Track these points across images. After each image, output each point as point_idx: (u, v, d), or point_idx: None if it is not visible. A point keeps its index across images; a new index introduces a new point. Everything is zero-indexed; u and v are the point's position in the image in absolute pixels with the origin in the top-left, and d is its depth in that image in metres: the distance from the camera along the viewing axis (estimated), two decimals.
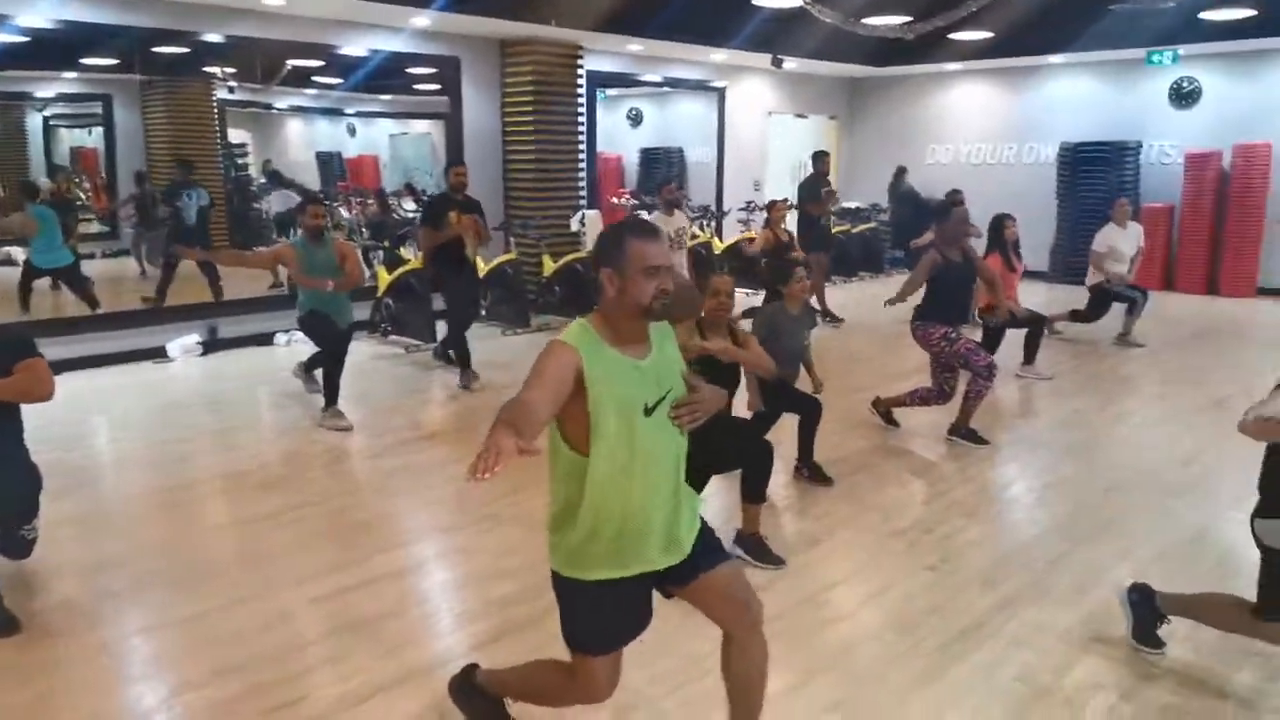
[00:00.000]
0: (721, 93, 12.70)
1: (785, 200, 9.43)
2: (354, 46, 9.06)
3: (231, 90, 9.88)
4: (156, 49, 8.54)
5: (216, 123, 9.87)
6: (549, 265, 9.69)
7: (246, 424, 6.35)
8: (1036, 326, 7.52)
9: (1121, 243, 8.49)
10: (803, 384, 5.16)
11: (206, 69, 9.37)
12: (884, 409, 6.10)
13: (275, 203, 10.77)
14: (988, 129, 13.63)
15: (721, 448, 3.91)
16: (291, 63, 9.82)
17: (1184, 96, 12.02)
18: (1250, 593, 3.62)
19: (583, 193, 10.54)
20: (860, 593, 3.79)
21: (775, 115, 13.65)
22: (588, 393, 2.24)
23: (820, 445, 5.65)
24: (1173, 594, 3.35)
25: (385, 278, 8.80)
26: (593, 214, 10.72)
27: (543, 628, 3.44)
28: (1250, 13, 9.21)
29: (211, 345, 8.20)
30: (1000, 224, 7.45)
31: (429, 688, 3.05)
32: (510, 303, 9.39)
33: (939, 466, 5.48)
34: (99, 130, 9.38)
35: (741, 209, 11.77)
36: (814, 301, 9.67)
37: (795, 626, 3.50)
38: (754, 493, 4.10)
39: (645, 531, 2.36)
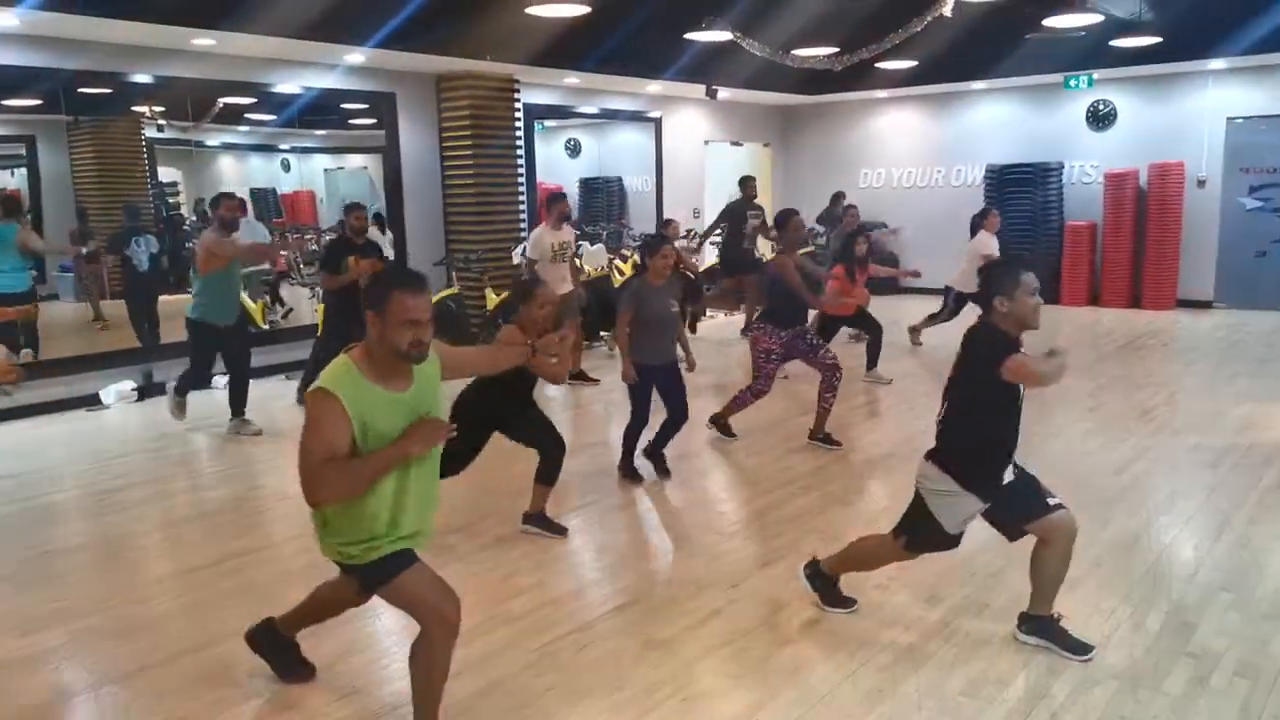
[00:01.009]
0: (658, 122, 12.88)
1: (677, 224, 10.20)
2: (287, 84, 9.02)
3: (161, 129, 9.73)
4: (83, 89, 8.39)
5: (146, 161, 9.70)
6: (492, 299, 9.68)
7: (186, 470, 6.22)
8: (876, 334, 8.17)
9: (994, 249, 9.15)
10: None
11: (135, 108, 9.22)
12: (722, 423, 6.39)
13: (243, 236, 10.53)
14: (917, 153, 14.01)
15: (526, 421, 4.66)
16: (223, 100, 9.71)
17: (1101, 118, 12.51)
18: (1195, 592, 3.77)
19: (524, 224, 10.57)
20: (810, 614, 3.84)
21: (711, 143, 13.86)
22: (353, 430, 2.61)
23: (766, 470, 5.76)
24: (832, 556, 3.80)
25: (323, 314, 8.69)
26: None
27: (500, 665, 3.44)
28: (1156, 39, 9.66)
29: (147, 390, 8.02)
30: (851, 240, 8.24)
31: None
32: (453, 338, 9.34)
33: (881, 486, 5.59)
34: (22, 171, 9.16)
35: (682, 238, 11.90)
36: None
37: (747, 649, 3.54)
38: (548, 477, 4.68)
39: (410, 531, 2.79)
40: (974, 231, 9.33)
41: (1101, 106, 12.46)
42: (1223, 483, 5.35)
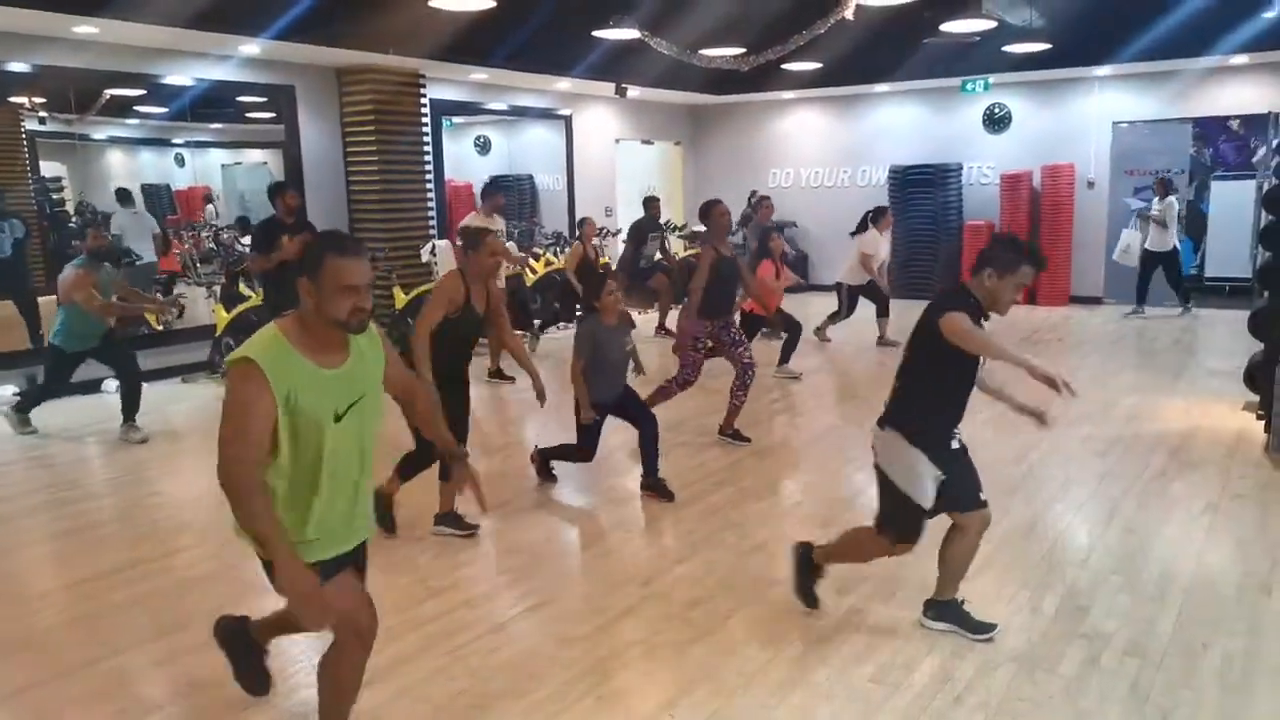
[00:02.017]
0: (568, 120, 12.82)
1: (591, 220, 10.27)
2: (178, 76, 8.66)
3: (43, 121, 9.24)
4: None
5: (26, 155, 9.19)
6: (400, 298, 9.49)
7: (72, 479, 5.92)
8: (794, 332, 8.32)
9: (882, 248, 9.64)
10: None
11: (12, 99, 8.72)
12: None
13: (125, 226, 10.06)
14: (824, 153, 14.29)
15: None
16: (110, 92, 9.26)
17: (996, 121, 12.96)
18: (1087, 576, 3.91)
19: (433, 222, 10.40)
20: (722, 608, 3.86)
21: (623, 142, 13.87)
22: (277, 408, 2.36)
23: (679, 465, 5.77)
24: (825, 545, 3.76)
25: (224, 316, 8.39)
26: (443, 244, 10.61)
27: (411, 669, 3.36)
28: (1046, 46, 10.05)
29: (29, 392, 7.57)
30: (767, 236, 8.45)
31: None
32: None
33: (795, 481, 5.67)
34: None
35: (596, 236, 11.88)
36: (667, 322, 10.13)
37: (662, 645, 3.54)
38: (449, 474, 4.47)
39: (333, 522, 2.55)
40: (863, 228, 9.63)
41: (997, 110, 12.91)
42: (1112, 471, 5.59)
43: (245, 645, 3.08)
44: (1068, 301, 12.54)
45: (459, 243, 4.93)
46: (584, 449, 5.20)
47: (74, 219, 10.18)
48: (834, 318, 9.80)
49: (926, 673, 3.32)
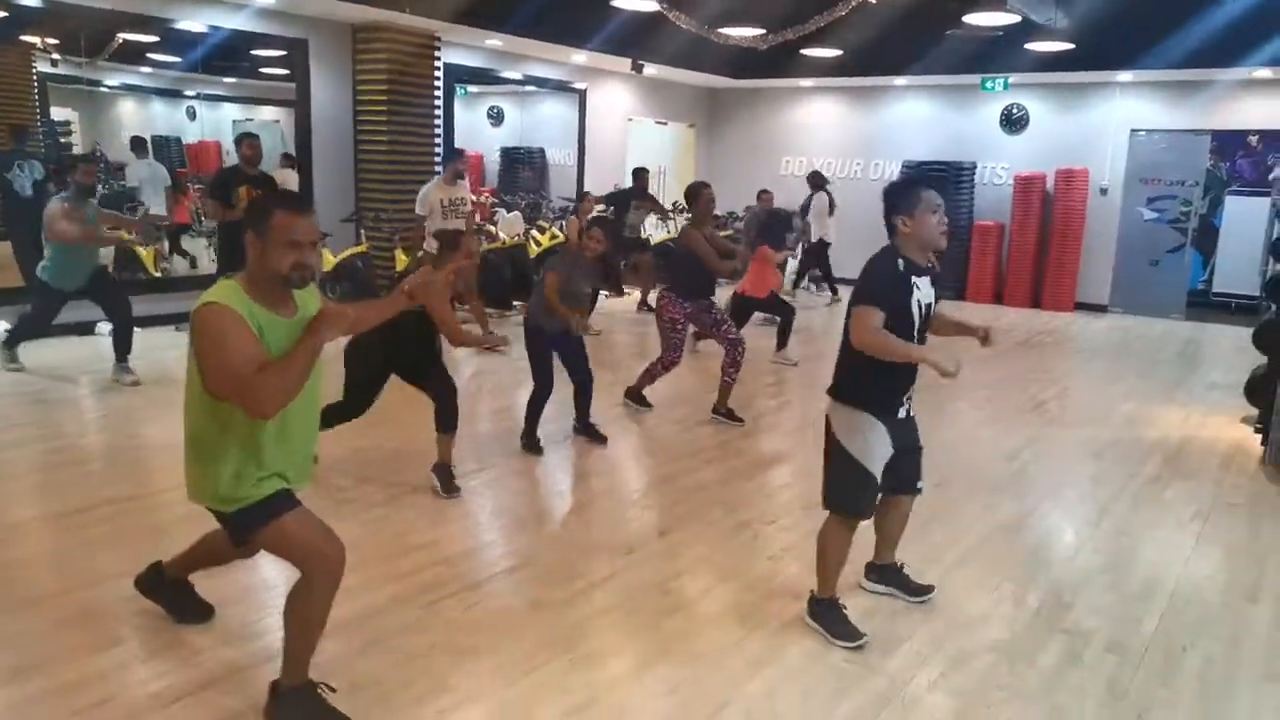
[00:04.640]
0: (582, 95, 12.73)
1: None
2: (191, 21, 8.57)
3: (54, 63, 9.14)
4: None
5: (36, 97, 9.11)
6: (402, 260, 9.43)
7: (60, 417, 5.88)
8: (787, 316, 8.24)
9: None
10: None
11: (24, 37, 8.64)
12: (637, 395, 6.42)
13: (143, 177, 10.01)
14: (838, 144, 14.19)
15: (422, 368, 4.61)
16: (122, 36, 9.17)
17: (1013, 122, 12.85)
18: (1073, 574, 3.86)
19: None
20: (703, 582, 3.83)
21: (635, 120, 13.78)
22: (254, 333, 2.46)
23: (670, 441, 5.75)
24: (819, 579, 3.50)
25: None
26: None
27: (383, 622, 3.32)
28: (1069, 46, 9.95)
29: (17, 328, 7.53)
30: (775, 220, 8.91)
31: (249, 685, 2.87)
32: (359, 297, 9.08)
33: (783, 463, 5.62)
34: None
35: (601, 211, 11.83)
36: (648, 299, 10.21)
37: (637, 613, 3.51)
38: (446, 423, 4.62)
39: (291, 460, 2.67)
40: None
41: (1015, 110, 12.80)
42: (1105, 473, 5.54)
43: (168, 587, 3.23)
44: (1073, 308, 12.47)
45: (436, 244, 4.98)
46: (539, 382, 5.36)
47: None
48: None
49: (904, 657, 3.28)
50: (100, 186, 9.76)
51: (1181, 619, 3.67)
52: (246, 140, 7.37)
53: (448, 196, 8.19)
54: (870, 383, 3.27)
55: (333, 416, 4.58)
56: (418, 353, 4.58)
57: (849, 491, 3.35)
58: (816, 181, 11.69)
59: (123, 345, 6.57)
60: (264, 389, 2.42)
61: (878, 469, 3.31)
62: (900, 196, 3.24)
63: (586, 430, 5.64)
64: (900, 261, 3.21)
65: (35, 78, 8.94)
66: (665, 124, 14.46)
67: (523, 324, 5.42)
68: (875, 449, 3.28)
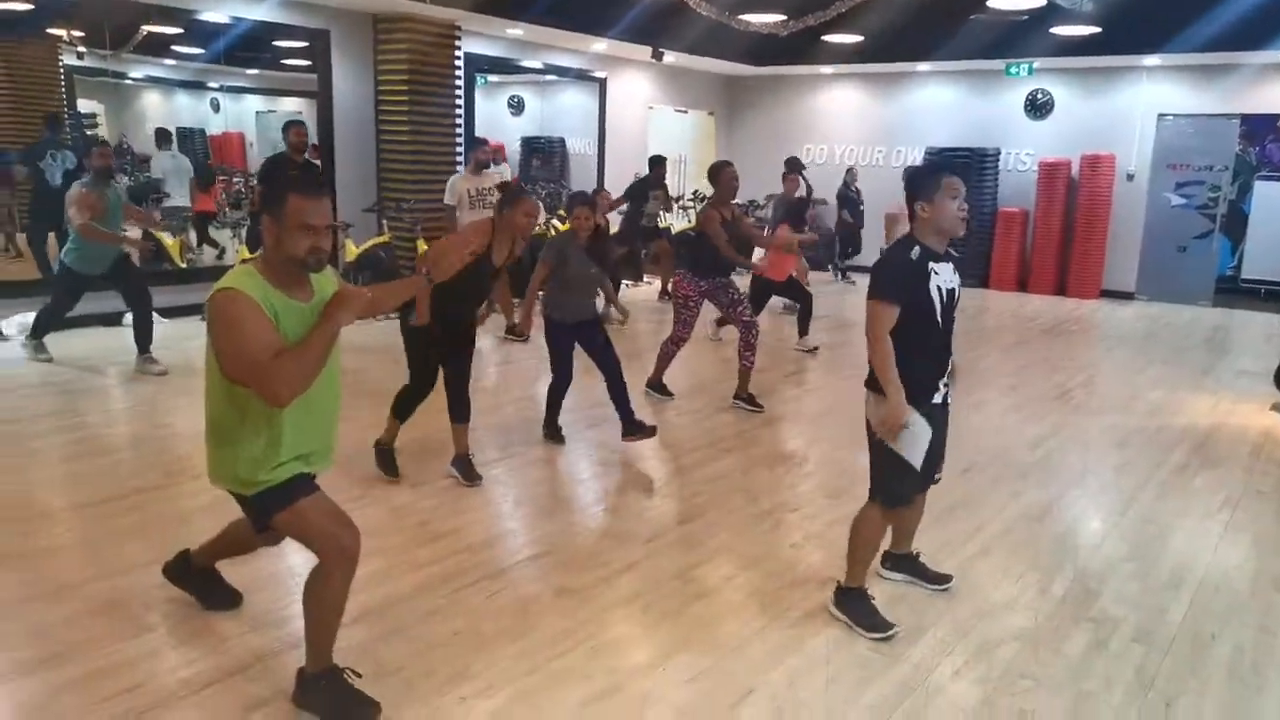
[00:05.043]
0: (602, 83, 12.69)
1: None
2: (214, 12, 8.62)
3: (81, 56, 9.23)
4: None
5: (64, 90, 9.20)
6: (423, 249, 9.45)
7: (87, 406, 5.95)
8: (806, 303, 8.19)
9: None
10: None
11: (51, 30, 8.73)
12: (657, 384, 6.38)
13: (167, 169, 10.11)
14: (860, 131, 14.08)
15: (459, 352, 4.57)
16: (147, 28, 9.25)
17: (1038, 107, 12.70)
18: (1099, 562, 3.81)
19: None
20: (725, 570, 3.82)
21: (656, 108, 13.73)
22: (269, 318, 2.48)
23: (690, 430, 5.74)
24: (847, 568, 3.48)
25: (246, 255, 8.41)
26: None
27: (406, 610, 3.34)
28: (1095, 29, 9.80)
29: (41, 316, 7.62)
30: (799, 205, 8.92)
31: (276, 671, 2.90)
32: None
33: (805, 451, 5.60)
34: None
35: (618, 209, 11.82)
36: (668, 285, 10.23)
37: (659, 602, 3.51)
38: (458, 414, 4.61)
39: (311, 443, 2.69)
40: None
41: (1040, 96, 12.64)
42: (1132, 461, 5.48)
43: (195, 575, 3.28)
44: (1099, 295, 12.33)
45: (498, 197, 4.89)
46: (557, 374, 5.30)
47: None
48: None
49: (927, 645, 3.26)
50: (126, 178, 9.89)
51: (1210, 607, 3.63)
52: (294, 127, 7.44)
53: (474, 187, 8.22)
54: (903, 371, 3.24)
55: (404, 404, 4.64)
56: (461, 333, 4.59)
57: (890, 481, 3.34)
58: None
59: (144, 336, 6.63)
60: (280, 375, 2.44)
61: (917, 458, 3.28)
62: (921, 181, 3.21)
63: (633, 428, 5.19)
64: (916, 249, 3.17)
65: (62, 70, 9.04)
66: (685, 112, 14.40)
67: (543, 317, 5.32)
68: (913, 438, 3.25)
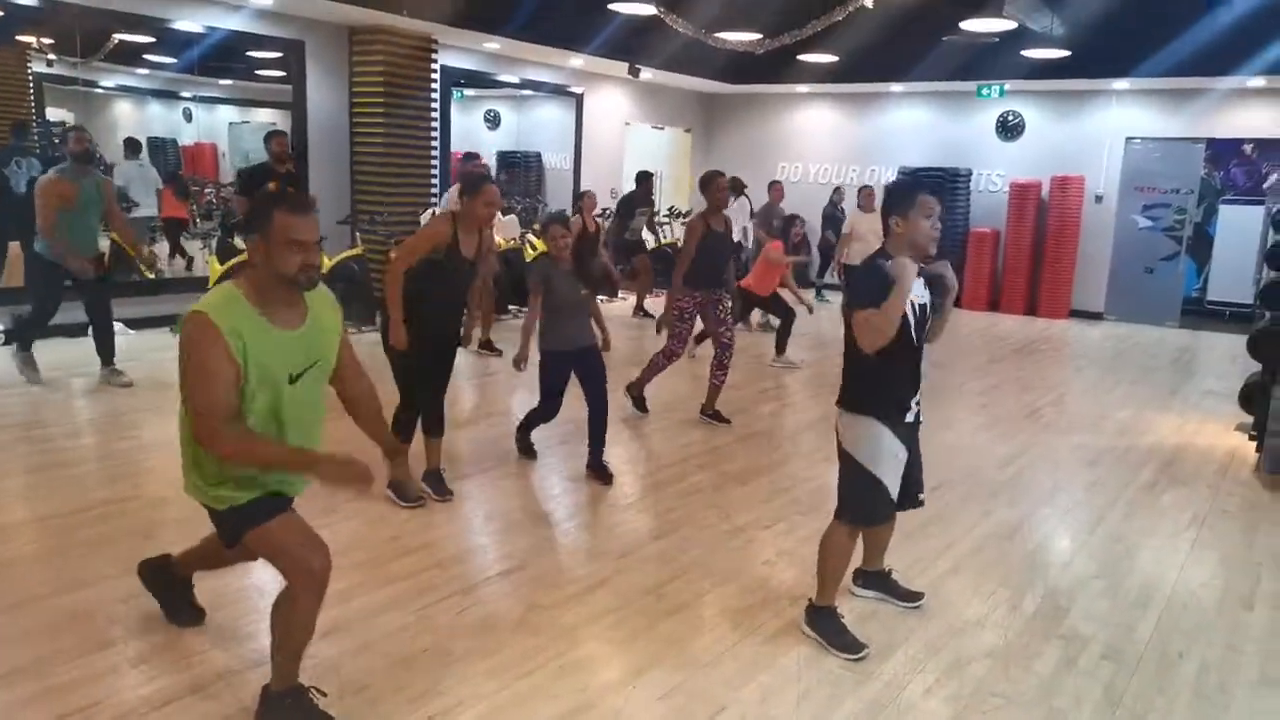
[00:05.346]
0: (579, 99, 12.72)
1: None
2: (187, 21, 8.54)
3: (50, 63, 9.11)
4: None
5: (32, 97, 9.08)
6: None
7: (51, 418, 5.85)
8: (787, 319, 8.23)
9: (861, 224, 9.66)
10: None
11: (20, 37, 8.61)
12: (638, 394, 6.34)
13: (131, 177, 9.98)
14: (834, 150, 14.20)
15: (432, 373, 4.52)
16: (119, 36, 9.15)
17: (1010, 129, 12.88)
18: (1068, 580, 3.83)
19: (435, 191, 10.30)
20: (698, 586, 3.81)
21: (632, 125, 13.78)
22: (232, 354, 2.41)
23: (663, 446, 5.72)
24: (817, 587, 3.46)
25: (217, 268, 8.31)
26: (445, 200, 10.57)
27: (375, 626, 3.30)
28: (1065, 53, 9.96)
29: (15, 329, 7.48)
30: (789, 224, 8.82)
31: (240, 689, 2.85)
32: (355, 300, 9.04)
33: (780, 467, 5.60)
34: None
35: (599, 215, 11.83)
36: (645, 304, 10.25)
37: (632, 618, 3.49)
38: (431, 429, 4.60)
39: (291, 479, 2.68)
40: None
41: (1011, 117, 12.82)
42: (1101, 480, 5.54)
43: (169, 580, 3.21)
44: (1068, 315, 12.48)
45: (458, 187, 4.85)
46: (544, 404, 5.11)
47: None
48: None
49: (899, 662, 3.26)
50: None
51: (1177, 625, 3.66)
52: (276, 137, 7.32)
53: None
54: (875, 388, 3.25)
55: (405, 425, 4.53)
56: (442, 346, 4.55)
57: (861, 500, 3.34)
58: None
59: (105, 348, 6.45)
60: (219, 438, 2.43)
61: (890, 476, 3.28)
62: (899, 197, 3.24)
63: (597, 469, 5.09)
64: (888, 264, 3.19)
65: (31, 78, 8.92)
66: (662, 129, 14.46)
67: (539, 350, 5.06)
68: (884, 455, 3.26)
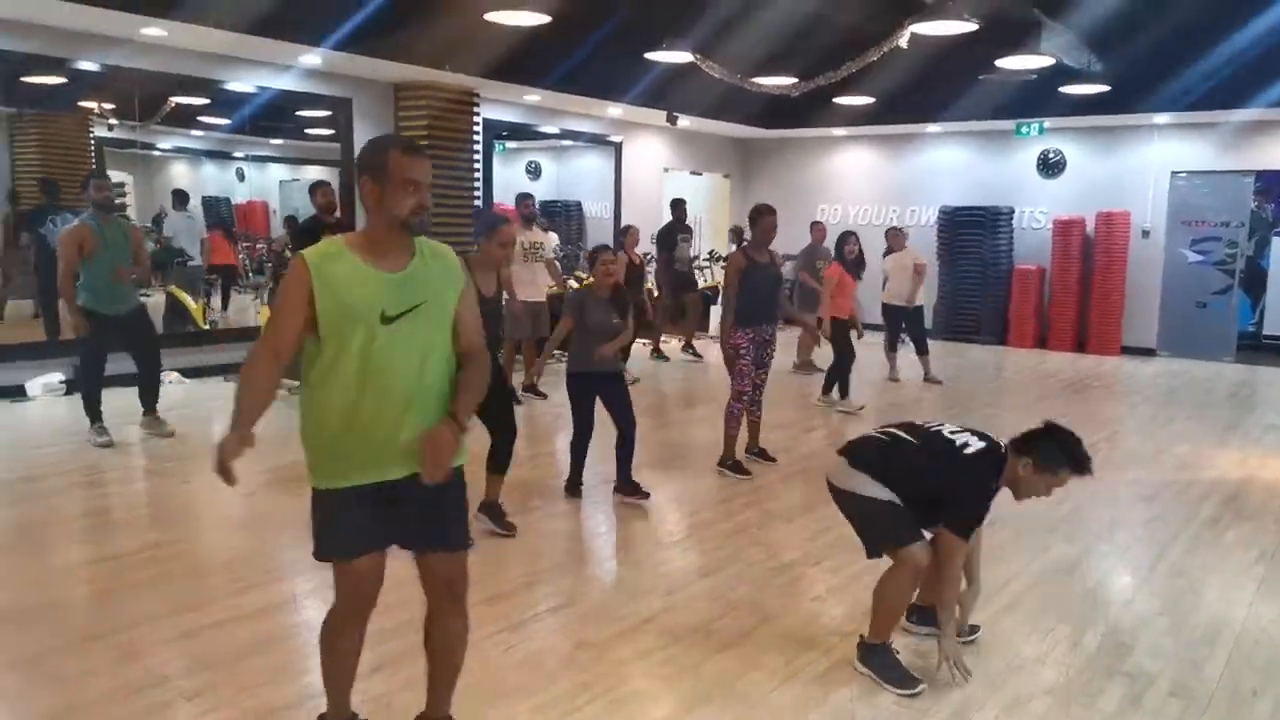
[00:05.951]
0: (618, 148, 12.91)
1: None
2: (240, 83, 8.86)
3: (111, 127, 9.48)
4: (28, 79, 8.15)
5: (94, 161, 9.43)
6: None
7: (110, 464, 5.96)
8: (843, 361, 8.09)
9: (890, 264, 9.81)
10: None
11: (83, 103, 8.98)
12: (730, 463, 6.00)
13: (179, 229, 10.30)
14: (873, 191, 14.21)
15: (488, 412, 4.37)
16: (174, 100, 9.51)
17: (1051, 166, 12.79)
18: (1130, 616, 3.71)
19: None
20: (746, 624, 3.75)
21: (671, 171, 13.93)
22: (317, 302, 2.33)
23: (708, 484, 5.67)
24: (870, 624, 3.39)
25: (268, 316, 8.50)
26: None
27: (422, 661, 3.28)
28: (1104, 88, 9.92)
29: (75, 384, 7.70)
30: (842, 240, 8.46)
31: None
32: None
33: (825, 504, 5.48)
34: None
35: (642, 254, 11.92)
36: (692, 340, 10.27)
37: (680, 655, 3.44)
38: (499, 465, 4.64)
39: (378, 434, 2.41)
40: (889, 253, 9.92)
41: (1051, 155, 12.75)
42: (1160, 516, 5.38)
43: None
44: (1119, 352, 12.24)
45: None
46: (578, 427, 5.26)
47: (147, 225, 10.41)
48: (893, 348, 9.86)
49: (956, 700, 3.17)
50: (153, 243, 10.07)
51: (1249, 662, 3.52)
52: (321, 188, 7.33)
53: (527, 240, 8.37)
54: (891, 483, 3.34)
55: (497, 461, 4.64)
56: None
57: (882, 527, 3.32)
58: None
59: (149, 396, 6.45)
60: (249, 358, 2.43)
61: (890, 494, 3.29)
62: (1054, 452, 3.44)
63: (628, 487, 5.27)
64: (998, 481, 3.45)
65: (93, 142, 9.26)
66: (700, 174, 14.60)
67: (565, 372, 5.31)
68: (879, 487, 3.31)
